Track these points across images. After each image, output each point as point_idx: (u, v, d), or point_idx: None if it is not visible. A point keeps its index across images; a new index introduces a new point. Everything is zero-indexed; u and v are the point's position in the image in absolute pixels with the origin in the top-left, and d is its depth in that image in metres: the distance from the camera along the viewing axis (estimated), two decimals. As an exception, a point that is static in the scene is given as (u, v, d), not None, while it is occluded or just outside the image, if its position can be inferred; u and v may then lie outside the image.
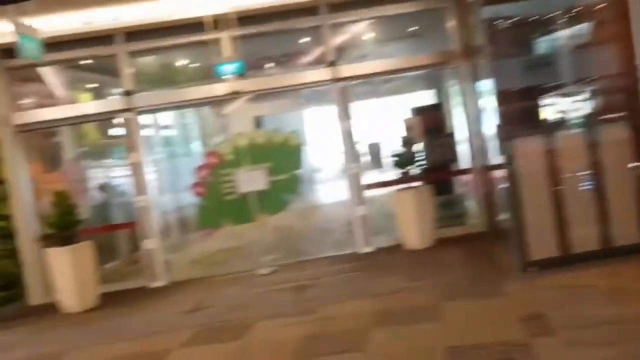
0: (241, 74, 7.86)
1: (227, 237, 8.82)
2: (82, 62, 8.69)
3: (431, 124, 8.85)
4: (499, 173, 6.55)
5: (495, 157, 6.92)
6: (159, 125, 10.90)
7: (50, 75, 8.61)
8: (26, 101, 8.49)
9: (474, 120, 7.89)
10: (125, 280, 8.57)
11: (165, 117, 11.26)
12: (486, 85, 6.94)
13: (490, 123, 7.17)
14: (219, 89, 8.12)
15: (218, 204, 8.15)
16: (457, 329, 4.48)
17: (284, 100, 10.13)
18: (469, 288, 5.62)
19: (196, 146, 12.01)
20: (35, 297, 8.10)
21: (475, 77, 7.81)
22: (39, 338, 6.38)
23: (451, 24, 8.15)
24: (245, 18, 7.84)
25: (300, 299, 6.27)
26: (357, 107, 8.47)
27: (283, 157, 8.15)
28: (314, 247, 8.77)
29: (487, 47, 6.33)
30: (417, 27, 8.91)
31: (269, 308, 6.07)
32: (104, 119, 8.77)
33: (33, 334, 6.61)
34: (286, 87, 8.34)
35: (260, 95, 8.51)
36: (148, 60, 8.82)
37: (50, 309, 7.52)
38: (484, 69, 6.67)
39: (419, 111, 9.19)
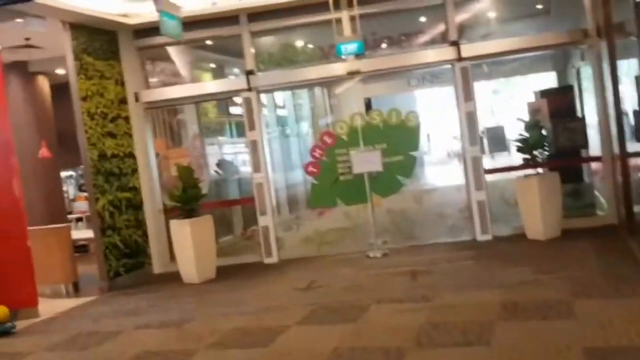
0: (361, 54, 7.76)
1: (339, 218, 8.84)
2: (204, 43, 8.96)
3: (559, 106, 8.27)
4: (637, 161, 6.00)
5: (633, 144, 6.36)
6: (274, 104, 11.08)
7: (176, 55, 8.95)
8: (153, 79, 8.90)
9: (609, 103, 7.29)
10: (240, 254, 8.84)
11: (279, 97, 11.42)
12: (626, 66, 6.36)
13: (630, 107, 6.60)
14: (337, 68, 8.08)
15: (331, 184, 8.14)
16: (594, 329, 4.13)
17: (395, 80, 9.92)
18: (604, 285, 5.19)
19: (307, 126, 12.10)
20: (158, 266, 8.55)
21: (612, 57, 7.20)
22: (161, 305, 6.63)
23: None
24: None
25: (415, 285, 6.10)
26: (475, 88, 8.09)
27: (399, 138, 7.96)
28: (427, 231, 8.53)
29: (630, 24, 5.76)
30: (546, 4, 8.36)
31: (383, 292, 5.95)
32: (226, 98, 9.04)
33: (156, 301, 6.90)
34: (406, 66, 8.15)
35: (372, 76, 8.34)
36: (268, 40, 8.92)
37: (171, 278, 7.89)
38: (625, 48, 6.10)
39: (546, 93, 8.63)
